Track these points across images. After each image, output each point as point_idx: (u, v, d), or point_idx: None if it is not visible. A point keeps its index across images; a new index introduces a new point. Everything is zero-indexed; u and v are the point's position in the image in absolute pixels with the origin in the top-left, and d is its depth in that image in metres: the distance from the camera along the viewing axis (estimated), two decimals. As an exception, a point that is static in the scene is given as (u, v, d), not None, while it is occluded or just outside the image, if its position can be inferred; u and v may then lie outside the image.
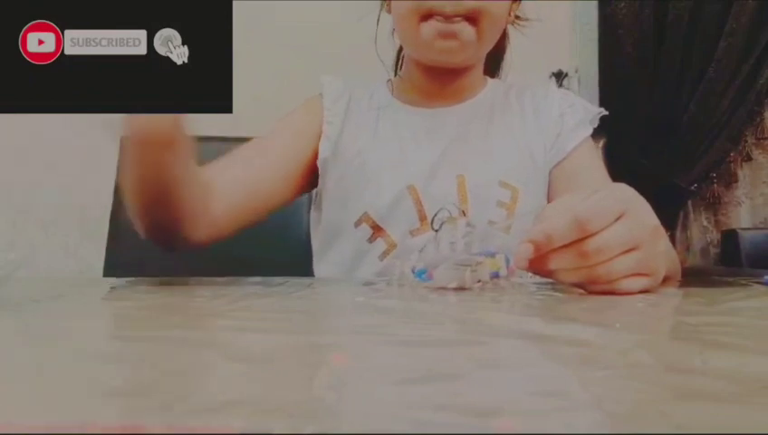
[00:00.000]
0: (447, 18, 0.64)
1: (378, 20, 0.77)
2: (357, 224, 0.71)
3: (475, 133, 0.74)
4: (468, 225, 0.47)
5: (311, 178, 0.75)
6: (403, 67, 0.80)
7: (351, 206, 0.72)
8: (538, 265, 0.42)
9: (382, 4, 0.76)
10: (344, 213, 0.72)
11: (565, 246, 0.41)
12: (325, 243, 0.77)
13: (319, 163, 0.74)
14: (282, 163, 0.73)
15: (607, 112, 0.77)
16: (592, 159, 0.75)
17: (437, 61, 0.71)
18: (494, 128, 0.75)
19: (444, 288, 0.45)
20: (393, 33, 0.79)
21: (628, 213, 0.42)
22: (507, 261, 0.46)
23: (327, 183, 0.75)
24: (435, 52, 0.68)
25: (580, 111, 0.76)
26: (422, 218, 0.69)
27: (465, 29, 0.65)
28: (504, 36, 0.78)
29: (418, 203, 0.69)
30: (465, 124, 0.74)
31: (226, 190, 0.66)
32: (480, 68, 0.79)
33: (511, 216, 0.69)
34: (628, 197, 0.43)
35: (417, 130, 0.74)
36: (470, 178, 0.70)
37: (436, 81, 0.75)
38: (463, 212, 0.69)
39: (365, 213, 0.70)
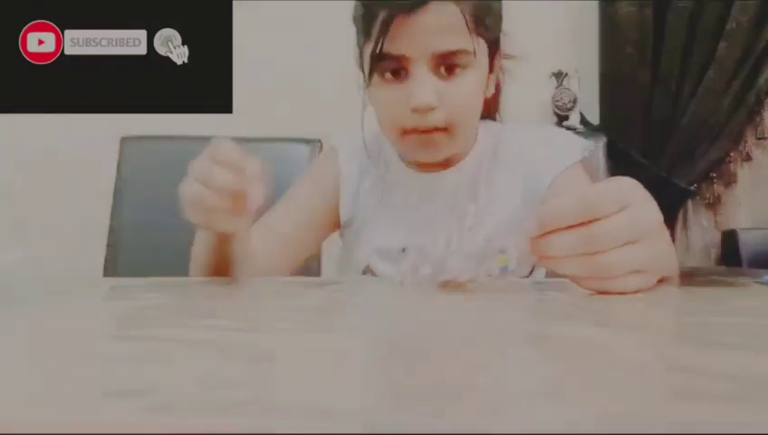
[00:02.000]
0: (424, 132, 0.68)
1: (362, 115, 0.77)
2: (363, 272, 0.78)
3: (465, 196, 0.77)
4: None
5: (331, 227, 0.84)
6: None
7: (358, 256, 0.80)
8: (540, 250, 0.42)
9: (364, 102, 0.76)
10: (354, 260, 0.80)
11: (569, 230, 0.40)
12: (343, 269, 0.85)
13: (343, 223, 0.83)
14: (308, 226, 0.81)
15: (593, 146, 0.77)
16: (577, 183, 0.73)
17: (420, 161, 0.76)
18: (481, 191, 0.77)
19: (455, 282, 0.44)
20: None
21: (633, 205, 0.41)
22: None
23: (344, 234, 0.84)
24: (416, 157, 0.75)
25: (564, 147, 0.76)
26: None
27: (440, 138, 0.69)
28: (496, 90, 0.79)
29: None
30: (456, 190, 0.77)
31: (265, 263, 0.73)
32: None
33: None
34: (633, 188, 0.43)
35: (413, 195, 0.79)
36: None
37: None
38: None
39: (367, 265, 0.77)
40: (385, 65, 0.67)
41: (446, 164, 0.77)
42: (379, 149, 0.82)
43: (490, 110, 0.82)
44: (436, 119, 0.67)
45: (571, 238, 0.40)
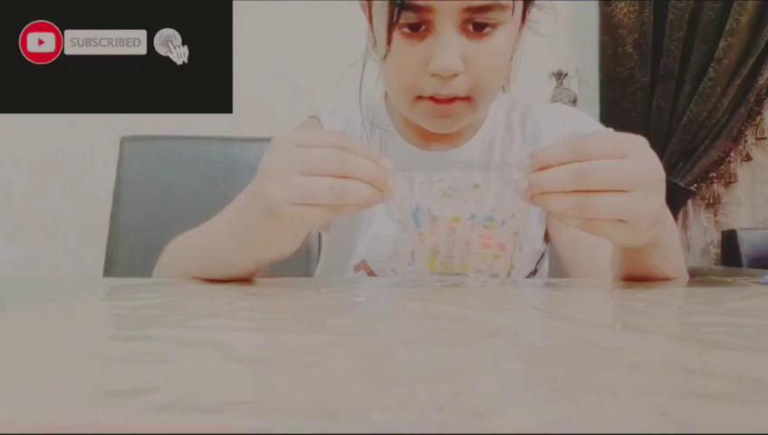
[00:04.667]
0: (442, 101, 0.60)
1: (362, 72, 0.67)
2: (356, 268, 0.70)
3: (475, 178, 0.69)
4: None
5: None
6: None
7: (351, 251, 0.70)
8: (533, 186, 0.42)
9: (367, 49, 0.66)
10: (345, 255, 0.71)
11: (561, 166, 0.41)
12: (328, 267, 0.77)
13: None
14: None
15: (612, 130, 0.72)
16: None
17: (432, 131, 0.66)
18: (492, 171, 0.70)
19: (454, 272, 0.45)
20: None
21: (633, 154, 0.41)
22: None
23: (331, 225, 0.74)
24: (428, 126, 0.64)
25: (581, 131, 0.70)
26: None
27: (460, 107, 0.60)
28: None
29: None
30: (465, 169, 0.69)
31: None
32: None
33: (511, 260, 0.67)
34: (637, 141, 0.43)
35: (416, 175, 0.69)
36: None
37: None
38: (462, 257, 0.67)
39: (363, 260, 0.69)
40: (404, 16, 0.55)
41: (453, 141, 0.69)
42: (371, 121, 0.72)
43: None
44: (458, 86, 0.58)
45: (563, 173, 0.41)
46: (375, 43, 0.62)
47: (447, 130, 0.64)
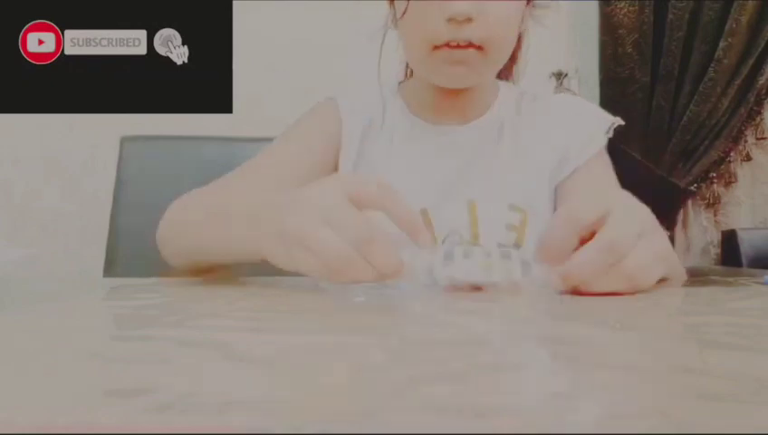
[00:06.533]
0: (456, 47, 0.65)
1: (381, 44, 0.73)
2: None
3: (486, 154, 0.74)
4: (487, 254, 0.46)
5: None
6: (412, 81, 0.80)
7: None
8: (572, 278, 0.42)
9: (386, 23, 0.73)
10: None
11: (589, 248, 0.42)
12: None
13: None
14: (296, 180, 0.69)
15: (623, 122, 0.74)
16: (603, 174, 0.72)
17: (446, 85, 0.72)
18: (503, 148, 0.74)
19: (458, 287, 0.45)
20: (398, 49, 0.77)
21: (627, 207, 0.44)
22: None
23: None
24: (444, 78, 0.70)
25: (592, 122, 0.75)
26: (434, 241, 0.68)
27: (473, 56, 0.66)
28: (518, 41, 0.77)
29: (431, 227, 0.69)
30: (476, 145, 0.74)
31: None
32: (492, 81, 0.78)
33: (521, 238, 0.68)
34: (644, 219, 0.44)
35: (429, 150, 0.74)
36: (481, 201, 0.70)
37: (446, 98, 0.75)
38: (474, 236, 0.68)
39: None
40: None
41: (463, 117, 0.75)
42: (384, 103, 0.78)
43: (508, 65, 0.79)
44: (471, 33, 0.64)
45: (595, 255, 0.41)
46: (394, 15, 0.70)
47: (461, 81, 0.70)
